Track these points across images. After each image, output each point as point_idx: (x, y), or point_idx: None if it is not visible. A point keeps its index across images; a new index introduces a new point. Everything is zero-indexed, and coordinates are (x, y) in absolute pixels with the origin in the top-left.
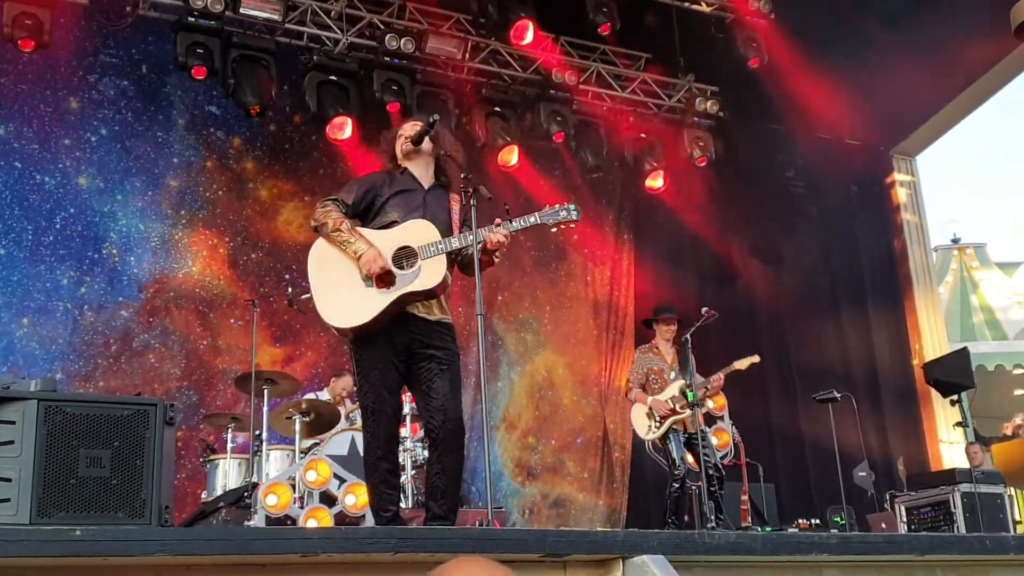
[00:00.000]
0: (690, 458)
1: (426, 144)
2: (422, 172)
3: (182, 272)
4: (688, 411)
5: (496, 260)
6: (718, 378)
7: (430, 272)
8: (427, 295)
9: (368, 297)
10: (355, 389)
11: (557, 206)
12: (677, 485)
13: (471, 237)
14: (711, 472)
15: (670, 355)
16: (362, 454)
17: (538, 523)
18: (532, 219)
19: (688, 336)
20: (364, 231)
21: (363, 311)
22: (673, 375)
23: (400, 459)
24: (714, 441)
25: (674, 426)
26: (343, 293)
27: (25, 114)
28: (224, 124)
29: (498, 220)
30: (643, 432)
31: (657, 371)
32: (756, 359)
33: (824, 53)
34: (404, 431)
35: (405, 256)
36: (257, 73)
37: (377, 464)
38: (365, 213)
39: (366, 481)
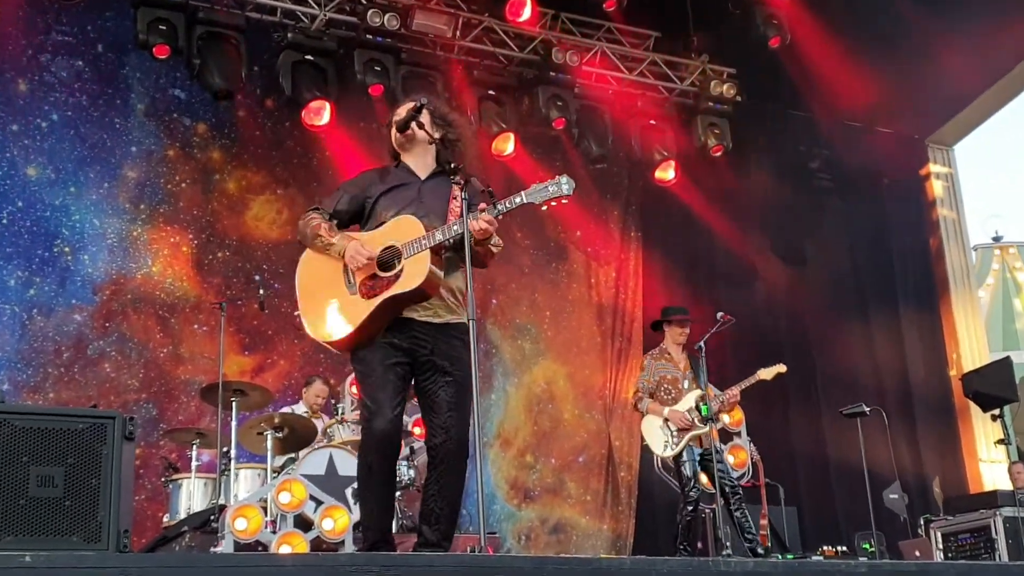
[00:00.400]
0: (704, 478)
1: (421, 133)
2: (418, 162)
3: (141, 273)
4: (706, 426)
5: (494, 250)
6: (733, 393)
7: (412, 271)
8: (415, 297)
9: (353, 304)
10: (335, 398)
11: (547, 181)
12: (691, 508)
13: (456, 227)
14: (728, 491)
15: (683, 362)
16: (344, 471)
17: (536, 550)
18: (518, 199)
19: (702, 343)
20: (352, 234)
21: (347, 321)
22: (688, 384)
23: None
24: (730, 460)
25: (689, 442)
26: (329, 302)
27: None
28: (188, 109)
29: (482, 205)
30: (659, 448)
31: (671, 380)
32: (782, 368)
33: (853, 32)
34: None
35: (390, 257)
36: (226, 52)
37: (366, 475)
38: (358, 219)
39: (359, 495)
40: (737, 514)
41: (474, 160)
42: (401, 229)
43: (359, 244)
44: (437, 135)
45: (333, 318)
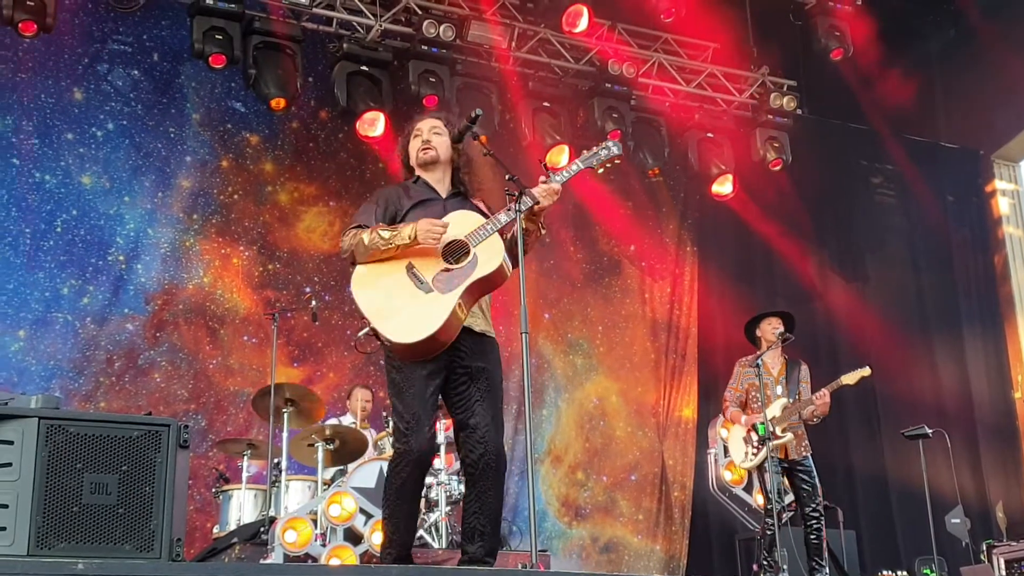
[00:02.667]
0: (760, 498)
1: (444, 152)
2: (438, 181)
3: (192, 283)
4: (789, 435)
5: (543, 231)
6: (823, 395)
7: (488, 254)
8: (497, 279)
9: (432, 303)
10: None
11: (596, 147)
12: (772, 521)
13: (519, 205)
14: (808, 510)
15: (777, 366)
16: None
17: (587, 569)
18: (575, 167)
19: (759, 361)
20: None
21: (434, 316)
22: (780, 390)
23: (434, 493)
24: (728, 476)
25: (773, 453)
26: (404, 307)
27: (24, 106)
28: (243, 120)
29: (542, 177)
30: (739, 458)
31: (761, 386)
32: (866, 371)
33: (917, 44)
34: (438, 462)
35: (454, 250)
36: (281, 63)
37: (399, 492)
38: None
39: (383, 509)
40: (812, 537)
41: (526, 171)
42: (457, 223)
43: (428, 220)
44: (456, 156)
45: (415, 319)
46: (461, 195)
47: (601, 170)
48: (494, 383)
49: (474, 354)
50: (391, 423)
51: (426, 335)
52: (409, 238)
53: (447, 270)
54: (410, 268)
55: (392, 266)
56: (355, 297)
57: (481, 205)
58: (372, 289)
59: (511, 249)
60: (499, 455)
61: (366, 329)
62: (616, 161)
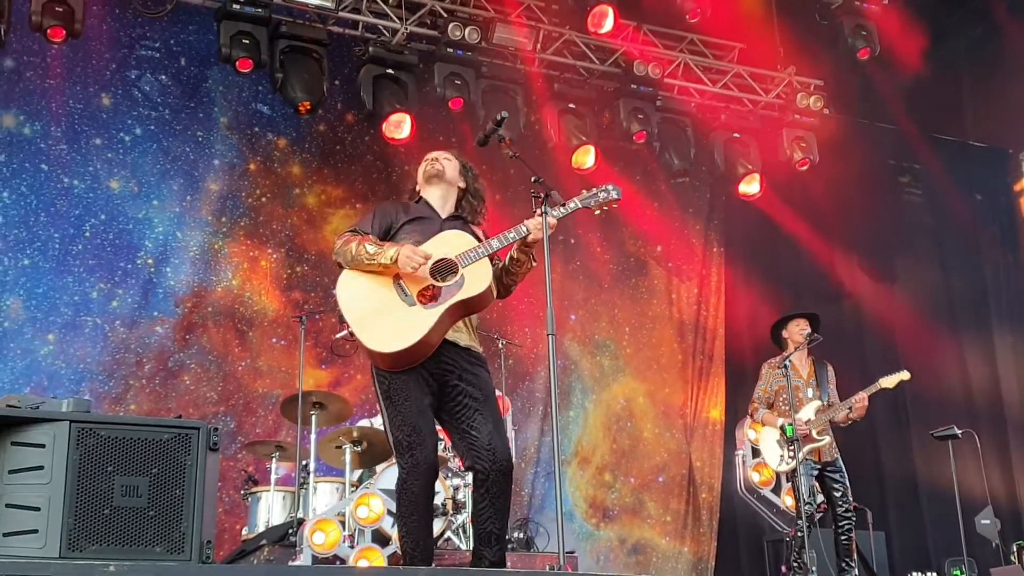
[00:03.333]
0: (789, 500)
1: (450, 172)
2: (439, 201)
3: (221, 286)
4: (827, 438)
5: (533, 263)
6: (861, 398)
7: (476, 276)
8: (480, 302)
9: (414, 315)
10: (384, 425)
11: (596, 188)
12: (803, 523)
13: (511, 234)
14: (840, 511)
15: (806, 368)
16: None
17: (615, 570)
18: (571, 204)
19: (788, 361)
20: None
21: (413, 331)
22: (812, 392)
23: (461, 495)
24: (756, 477)
25: (807, 456)
26: (385, 317)
27: (53, 111)
28: (270, 123)
29: (537, 210)
30: (774, 462)
31: (791, 389)
32: (906, 375)
33: (944, 43)
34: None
35: (442, 269)
36: (307, 66)
37: (413, 505)
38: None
39: (398, 525)
40: (843, 539)
41: (552, 173)
42: (449, 242)
43: (412, 247)
44: (462, 184)
45: (394, 330)
46: (461, 220)
47: (598, 212)
48: (487, 392)
49: (463, 368)
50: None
51: (403, 347)
52: (390, 260)
53: (433, 287)
54: (396, 279)
55: (380, 276)
56: (339, 299)
57: (480, 233)
58: (356, 295)
59: (500, 273)
60: (507, 461)
61: (344, 332)
62: (614, 205)
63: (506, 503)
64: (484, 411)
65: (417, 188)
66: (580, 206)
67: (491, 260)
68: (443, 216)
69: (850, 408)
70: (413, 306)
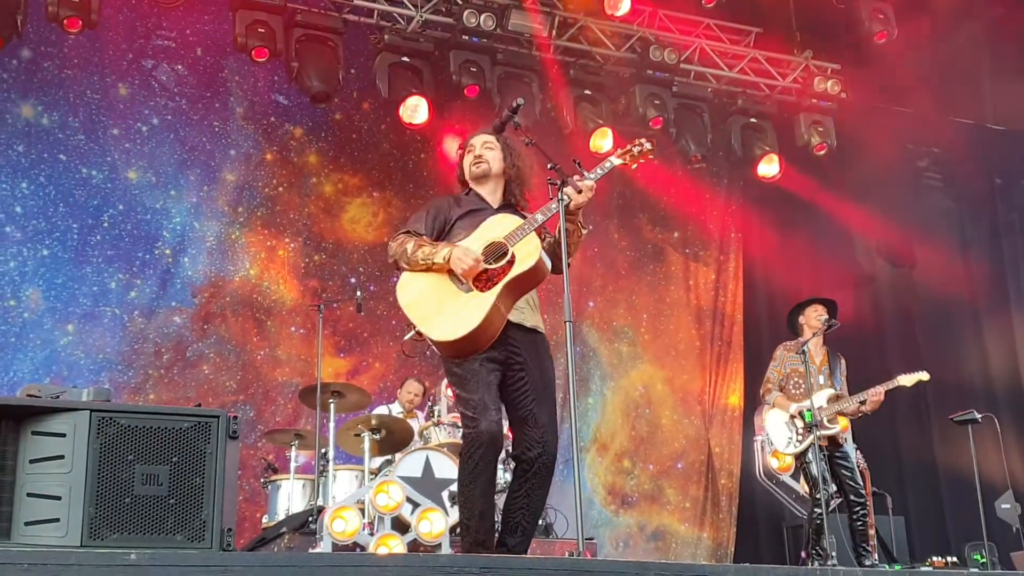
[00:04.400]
0: (804, 485)
1: (496, 165)
2: (490, 193)
3: (239, 276)
4: (838, 426)
5: (584, 230)
6: (877, 392)
7: (524, 253)
8: (534, 277)
9: (471, 301)
10: (445, 401)
11: (628, 145)
12: (819, 510)
13: (554, 205)
14: (852, 497)
15: (820, 354)
16: (441, 473)
17: (634, 557)
18: (608, 164)
19: (805, 348)
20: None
21: (472, 315)
22: (824, 379)
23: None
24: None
25: (817, 441)
26: (446, 308)
27: (71, 102)
28: (286, 112)
29: (575, 177)
30: (782, 444)
31: (802, 373)
32: (924, 376)
33: (961, 25)
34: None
35: (493, 252)
36: (323, 55)
37: (475, 475)
38: (436, 239)
39: (459, 495)
40: (858, 524)
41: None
42: (497, 226)
43: (464, 248)
44: (510, 170)
45: (455, 317)
46: (512, 207)
47: (635, 165)
48: (548, 382)
49: (528, 353)
50: (436, 412)
51: (466, 332)
52: (444, 260)
53: (486, 271)
54: (452, 274)
55: (435, 271)
56: (401, 302)
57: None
58: (416, 293)
59: (554, 247)
60: (554, 456)
61: (412, 332)
62: (650, 156)
63: (543, 498)
64: (543, 401)
65: (466, 179)
66: (616, 163)
67: (539, 235)
68: (495, 206)
69: (862, 401)
70: (470, 292)
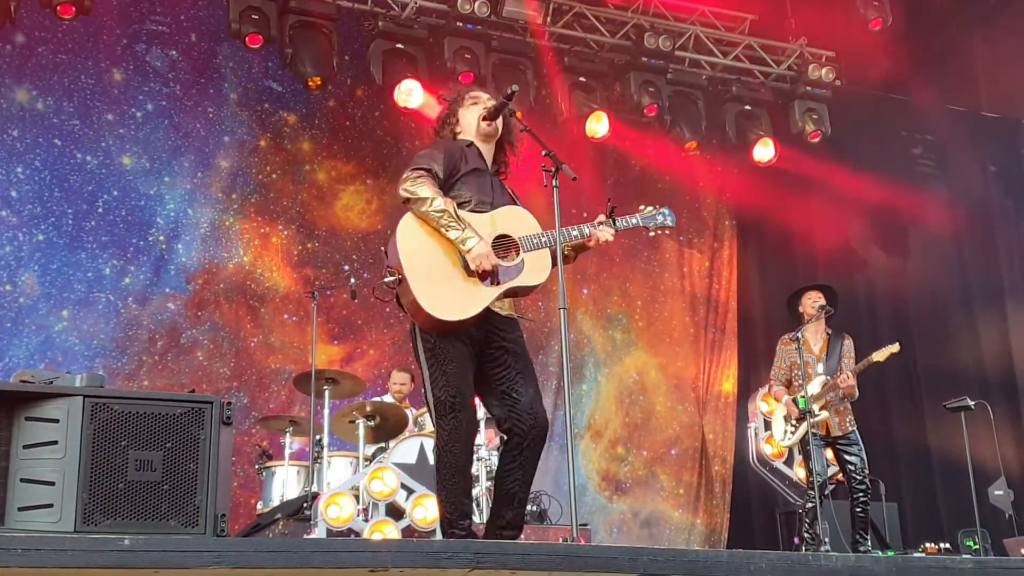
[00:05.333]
0: (801, 472)
1: (500, 127)
2: (487, 152)
3: (233, 262)
4: (826, 413)
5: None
6: (846, 378)
7: (536, 267)
8: (530, 290)
9: (473, 289)
10: (425, 384)
11: (652, 210)
12: (814, 494)
13: (575, 232)
14: (854, 483)
15: (820, 342)
16: (434, 458)
17: (628, 543)
18: (633, 221)
19: (799, 334)
20: (471, 222)
21: (468, 305)
22: (821, 367)
23: (474, 468)
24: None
25: (813, 429)
26: (444, 283)
27: (65, 87)
28: (280, 99)
29: (600, 217)
30: (779, 436)
31: (801, 364)
32: (895, 348)
33: (957, 12)
34: (479, 438)
35: (504, 246)
36: (317, 42)
37: (455, 468)
38: (442, 187)
39: (438, 488)
40: (858, 509)
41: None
42: (514, 220)
43: (488, 248)
44: (521, 126)
45: (452, 299)
46: (500, 173)
47: (652, 234)
48: (527, 359)
49: (503, 334)
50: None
51: (456, 319)
52: (462, 245)
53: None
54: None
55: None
56: (398, 244)
57: (511, 191)
58: (419, 247)
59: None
60: (546, 425)
61: (394, 278)
62: (666, 232)
63: (534, 469)
64: (525, 374)
65: (459, 132)
66: (641, 224)
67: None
68: (490, 170)
69: (842, 381)
70: (472, 278)
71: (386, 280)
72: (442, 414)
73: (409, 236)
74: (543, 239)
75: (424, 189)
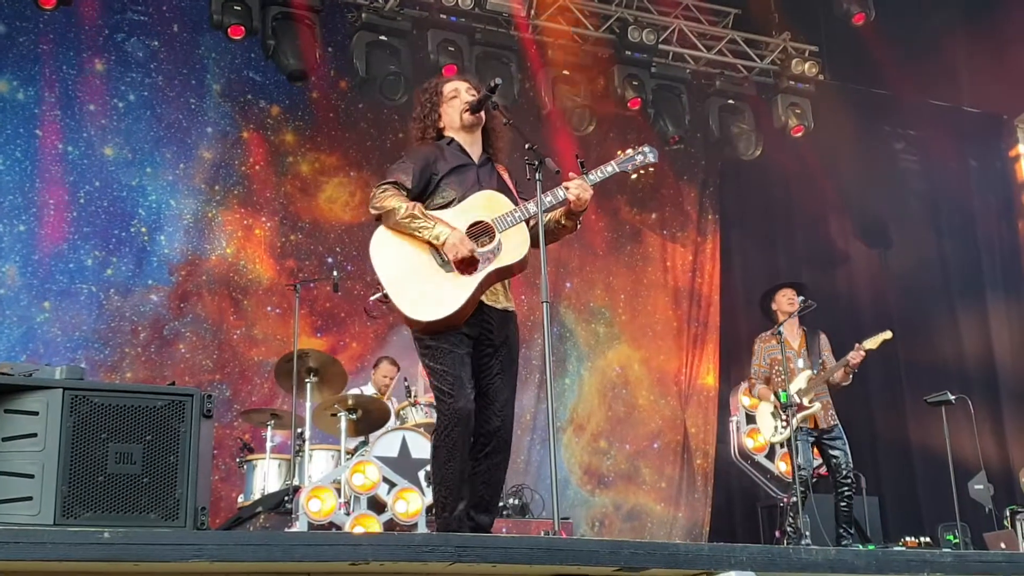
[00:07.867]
0: (784, 466)
1: (483, 117)
2: (472, 144)
3: (216, 254)
4: (817, 405)
5: (579, 225)
6: (855, 356)
7: (513, 244)
8: (516, 269)
9: (451, 283)
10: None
11: (630, 151)
12: (801, 488)
13: (548, 198)
14: (839, 478)
15: (797, 338)
16: (417, 453)
17: (610, 536)
18: (609, 168)
19: (780, 329)
20: (443, 217)
21: (450, 300)
22: (802, 363)
23: None
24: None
25: (801, 423)
26: (422, 284)
27: (46, 77)
28: (263, 90)
29: (572, 174)
30: (768, 433)
31: (782, 360)
32: (888, 335)
33: (940, 8)
34: None
35: (478, 233)
36: (300, 33)
37: (451, 451)
38: (420, 194)
39: (433, 471)
40: (842, 505)
41: (545, 140)
42: (486, 204)
43: (461, 235)
44: (504, 119)
45: (432, 298)
46: (490, 161)
47: (634, 175)
48: (512, 359)
49: (499, 329)
50: (413, 392)
51: (441, 316)
52: (436, 240)
53: (472, 254)
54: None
55: (416, 238)
56: (373, 259)
57: (505, 174)
58: (393, 256)
59: (533, 230)
60: (511, 430)
61: (379, 294)
62: (651, 168)
63: (503, 471)
64: (505, 378)
65: (442, 127)
66: (617, 170)
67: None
68: (476, 162)
69: (847, 363)
70: (451, 272)
71: (372, 298)
72: (441, 401)
73: (382, 249)
74: (516, 215)
75: (390, 201)
